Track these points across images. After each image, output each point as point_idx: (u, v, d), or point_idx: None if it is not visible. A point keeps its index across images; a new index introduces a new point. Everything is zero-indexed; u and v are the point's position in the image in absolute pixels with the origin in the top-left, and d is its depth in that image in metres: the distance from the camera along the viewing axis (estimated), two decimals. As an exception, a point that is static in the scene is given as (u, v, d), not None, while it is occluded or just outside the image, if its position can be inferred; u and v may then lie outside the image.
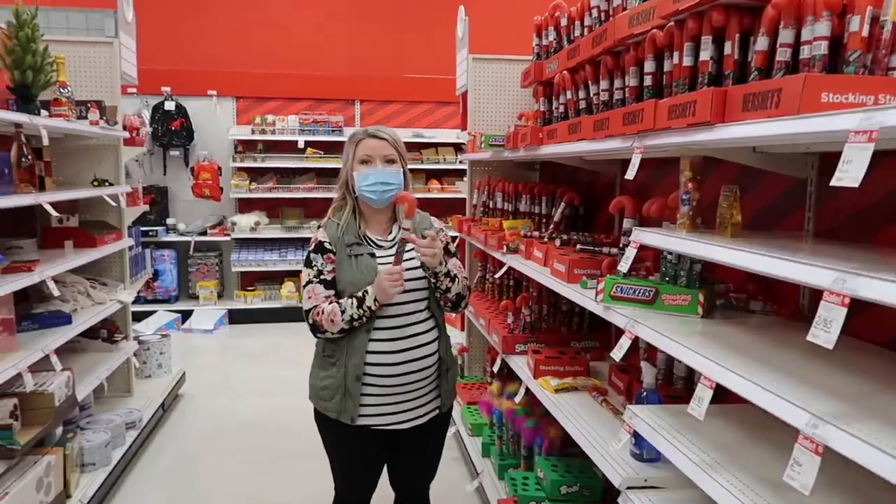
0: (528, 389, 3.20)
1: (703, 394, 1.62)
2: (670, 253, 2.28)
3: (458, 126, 8.87)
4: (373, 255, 2.42)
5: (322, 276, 2.41)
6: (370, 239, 2.49)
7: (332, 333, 2.36)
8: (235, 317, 8.07)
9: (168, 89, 8.01)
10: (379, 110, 8.87)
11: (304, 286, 2.46)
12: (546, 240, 3.41)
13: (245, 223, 8.19)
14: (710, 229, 1.93)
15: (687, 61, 2.00)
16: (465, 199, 5.33)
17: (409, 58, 8.84)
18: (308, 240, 8.28)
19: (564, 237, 3.24)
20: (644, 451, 2.17)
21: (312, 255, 2.44)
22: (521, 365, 3.37)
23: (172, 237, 8.26)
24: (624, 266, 2.03)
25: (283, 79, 8.57)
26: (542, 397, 2.97)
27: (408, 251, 2.38)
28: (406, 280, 2.34)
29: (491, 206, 4.46)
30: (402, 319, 2.41)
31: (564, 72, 3.07)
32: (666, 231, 1.94)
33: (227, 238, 8.30)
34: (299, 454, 4.30)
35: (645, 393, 2.25)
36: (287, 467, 4.20)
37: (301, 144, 8.30)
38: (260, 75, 8.53)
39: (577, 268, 2.70)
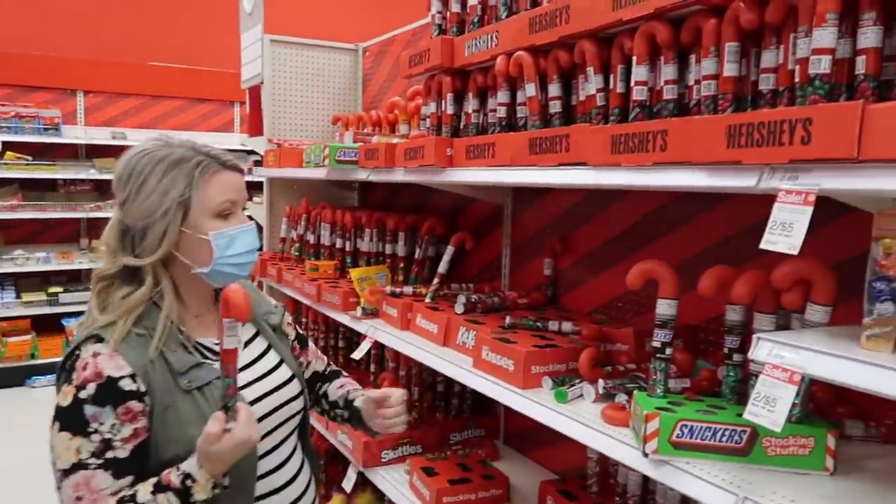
0: (423, 533, 2.11)
1: None
2: (735, 353, 1.41)
3: (225, 129, 7.34)
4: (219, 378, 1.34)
5: (111, 454, 1.22)
6: (204, 348, 1.41)
7: None
8: None
9: None
10: (111, 104, 6.92)
11: (64, 473, 1.21)
12: (430, 299, 2.36)
13: None
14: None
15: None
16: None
17: (158, 42, 7.05)
18: (13, 277, 6.22)
19: (460, 296, 2.23)
20: None
21: (90, 411, 1.23)
22: (397, 487, 2.28)
23: None
24: (756, 413, 1.08)
25: (-35, 55, 6.25)
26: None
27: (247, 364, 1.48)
28: (256, 402, 1.44)
29: (313, 241, 3.26)
30: (284, 470, 1.54)
31: (524, 54, 1.87)
32: (868, 356, 1.03)
33: None
34: None
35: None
36: None
37: (-3, 146, 6.08)
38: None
39: (535, 363, 1.71)
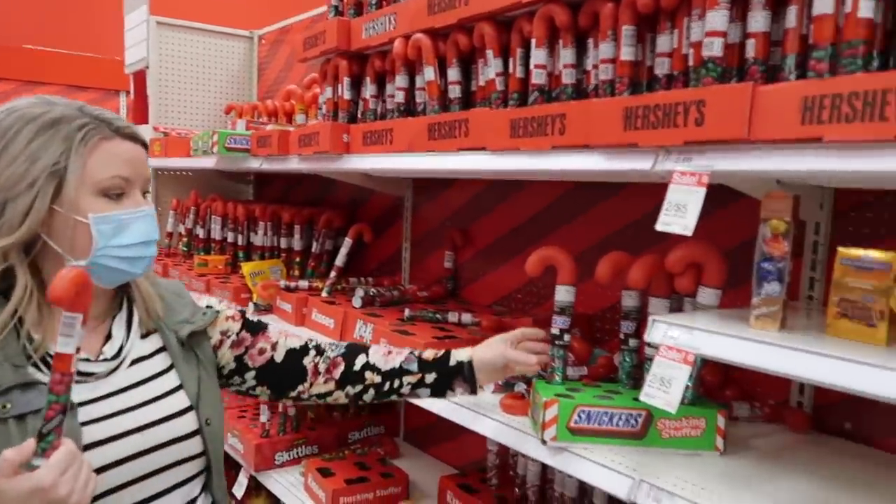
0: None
1: None
2: (631, 338, 1.41)
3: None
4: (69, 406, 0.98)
5: None
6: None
7: None
8: None
9: None
10: (-25, 90, 6.33)
11: None
12: (326, 293, 2.27)
13: None
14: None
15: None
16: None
17: (34, 23, 6.51)
18: None
19: (358, 289, 2.15)
20: None
21: None
22: (291, 490, 2.18)
23: None
24: (651, 395, 1.07)
25: None
26: (357, 556, 1.85)
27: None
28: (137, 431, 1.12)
29: (202, 235, 3.08)
30: None
31: (423, 37, 1.77)
32: (756, 335, 1.04)
33: None
34: None
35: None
36: None
37: None
38: None
39: (435, 356, 1.66)
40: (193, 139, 2.60)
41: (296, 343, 1.41)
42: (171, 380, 1.20)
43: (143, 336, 1.20)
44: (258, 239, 2.77)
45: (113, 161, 1.09)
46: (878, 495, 1.12)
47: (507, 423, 1.39)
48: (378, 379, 1.37)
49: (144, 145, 1.16)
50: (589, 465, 1.21)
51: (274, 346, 1.38)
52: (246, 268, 2.46)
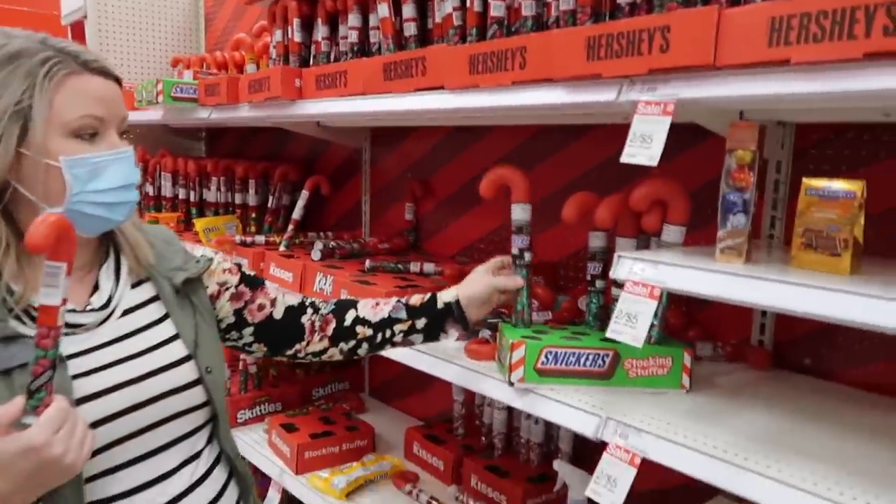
0: (283, 494, 1.99)
1: None
2: (597, 279, 1.40)
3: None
4: (58, 360, 0.93)
5: None
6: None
7: None
8: None
9: None
10: None
11: None
12: (284, 247, 2.21)
13: None
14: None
15: None
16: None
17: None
18: None
19: (317, 242, 2.09)
20: None
21: None
22: (255, 448, 2.14)
23: None
24: (618, 331, 1.05)
25: None
26: (323, 509, 1.83)
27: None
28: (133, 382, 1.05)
29: (152, 193, 2.96)
30: (159, 487, 1.08)
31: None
32: (722, 266, 1.02)
33: None
34: None
35: (572, 515, 1.34)
36: None
37: None
38: None
39: (397, 305, 1.62)
40: (137, 89, 2.47)
41: (294, 300, 1.36)
42: (167, 329, 1.13)
43: (135, 285, 1.13)
44: (211, 195, 2.68)
45: (82, 99, 0.99)
46: (836, 425, 1.14)
47: (472, 369, 1.37)
48: (370, 332, 1.33)
49: (118, 81, 1.06)
50: (556, 405, 1.20)
51: (273, 303, 1.32)
52: (199, 224, 2.37)
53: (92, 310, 1.06)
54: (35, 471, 0.86)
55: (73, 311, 1.04)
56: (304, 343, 1.33)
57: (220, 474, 1.17)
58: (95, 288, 1.08)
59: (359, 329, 1.33)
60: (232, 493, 1.19)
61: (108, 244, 1.13)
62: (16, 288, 0.99)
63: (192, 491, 1.11)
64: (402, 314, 1.32)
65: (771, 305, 0.93)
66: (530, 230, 1.37)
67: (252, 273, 1.34)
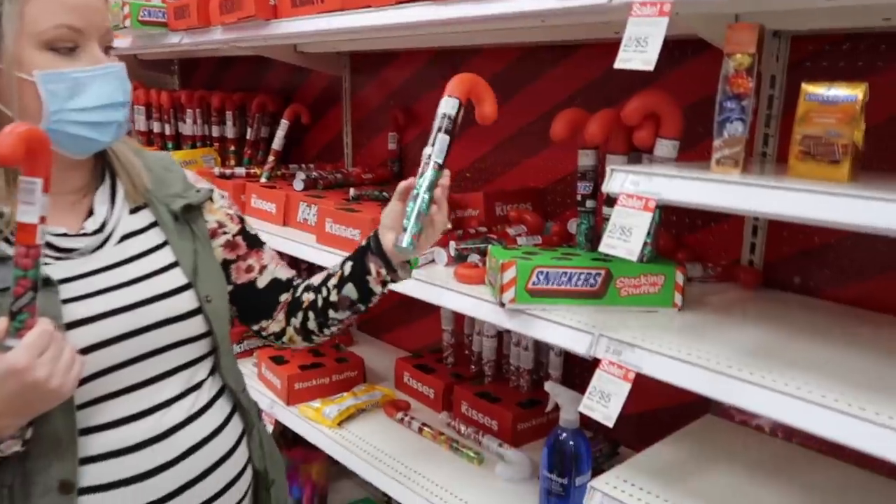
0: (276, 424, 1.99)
1: None
2: (588, 199, 1.37)
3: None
4: (45, 281, 0.93)
5: None
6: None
7: None
8: None
9: None
10: None
11: None
12: (265, 179, 2.15)
13: None
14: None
15: None
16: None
17: None
18: None
19: (299, 173, 2.04)
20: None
21: None
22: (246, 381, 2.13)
23: None
24: (611, 245, 1.02)
25: None
26: (314, 438, 1.84)
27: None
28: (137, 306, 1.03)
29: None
30: (155, 417, 1.05)
31: None
32: (718, 176, 0.99)
33: None
34: None
35: (564, 435, 1.35)
36: None
37: None
38: None
39: (383, 232, 1.59)
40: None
41: (283, 275, 1.28)
42: (166, 255, 1.09)
43: (133, 211, 1.08)
44: (187, 128, 2.59)
45: (54, 7, 0.92)
46: (829, 338, 1.14)
47: (462, 292, 1.35)
48: (312, 296, 1.24)
49: None
50: (547, 324, 1.19)
51: (261, 270, 1.25)
52: (175, 157, 2.29)
53: (85, 234, 1.02)
54: (18, 394, 0.84)
55: (66, 235, 1.01)
56: (269, 321, 1.27)
57: (222, 407, 1.14)
58: (91, 213, 1.04)
59: (304, 297, 1.25)
60: (235, 426, 1.16)
61: (104, 168, 1.08)
62: (4, 210, 0.96)
63: (192, 422, 1.08)
64: (335, 268, 1.24)
65: (771, 212, 0.90)
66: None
67: (254, 232, 1.28)
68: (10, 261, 0.90)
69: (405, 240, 1.07)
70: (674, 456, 1.28)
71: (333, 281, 1.22)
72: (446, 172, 1.12)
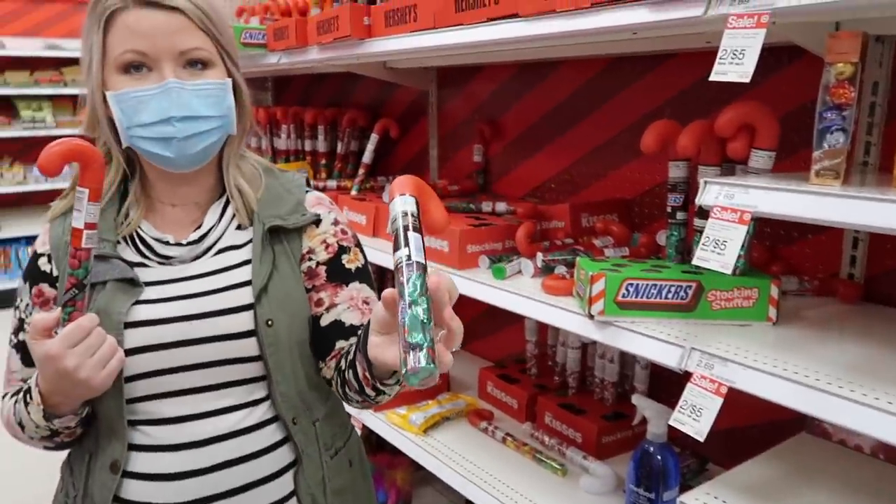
0: (362, 429, 2.06)
1: None
2: (678, 210, 1.36)
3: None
4: (131, 282, 1.05)
5: (22, 336, 1.09)
6: (140, 240, 1.10)
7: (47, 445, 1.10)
8: None
9: None
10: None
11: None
12: (356, 192, 2.23)
13: None
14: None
15: None
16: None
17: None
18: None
19: (387, 185, 2.11)
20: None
21: (20, 283, 1.13)
22: (333, 386, 2.21)
23: None
24: (705, 258, 1.02)
25: None
26: (401, 444, 1.88)
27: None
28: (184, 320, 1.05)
29: (225, 143, 3.03)
30: (199, 424, 1.07)
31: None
32: (818, 188, 0.97)
33: None
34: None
35: (652, 449, 1.34)
36: None
37: None
38: None
39: (470, 243, 1.62)
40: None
41: (349, 319, 1.14)
42: (243, 273, 1.09)
43: (242, 227, 1.13)
44: (281, 143, 2.72)
45: (125, 34, 1.01)
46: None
47: (550, 303, 1.37)
48: (341, 363, 1.11)
49: (178, 10, 1.01)
50: (637, 337, 1.19)
51: (329, 308, 1.14)
52: (272, 171, 2.42)
53: (177, 244, 1.09)
54: (55, 378, 0.94)
55: (168, 243, 1.09)
56: (323, 364, 1.15)
57: (273, 433, 1.11)
58: (200, 226, 1.12)
59: (345, 374, 1.08)
60: (282, 455, 1.12)
61: (223, 186, 1.14)
62: (132, 213, 1.09)
63: (233, 437, 1.08)
64: (351, 352, 1.06)
65: (875, 226, 0.88)
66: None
67: (351, 267, 1.17)
68: (111, 259, 1.04)
69: (422, 359, 0.74)
70: (767, 474, 1.25)
71: (347, 357, 1.08)
72: (430, 271, 0.82)
